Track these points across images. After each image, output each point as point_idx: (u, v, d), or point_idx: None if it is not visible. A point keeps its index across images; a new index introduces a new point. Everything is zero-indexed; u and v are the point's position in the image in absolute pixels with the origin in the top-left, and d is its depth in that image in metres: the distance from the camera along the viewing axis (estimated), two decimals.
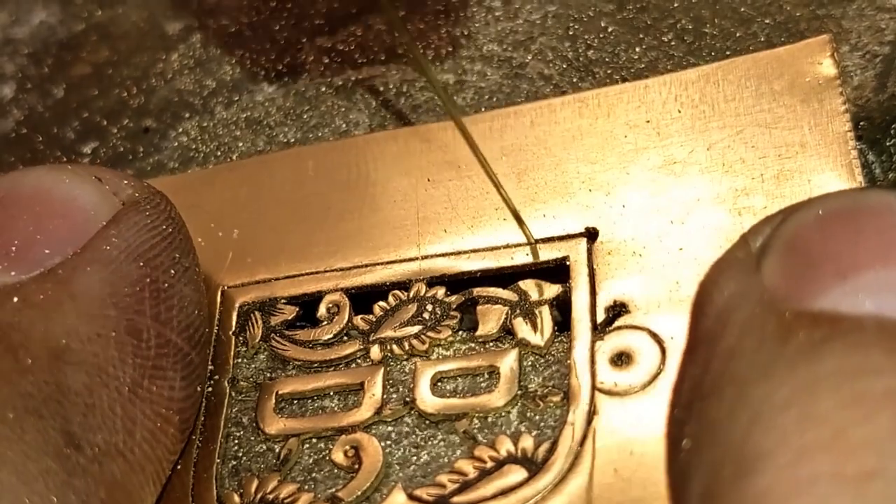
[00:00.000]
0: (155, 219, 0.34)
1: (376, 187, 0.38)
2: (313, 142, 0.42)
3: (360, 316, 0.36)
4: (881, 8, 0.39)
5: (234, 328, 0.37)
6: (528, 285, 0.35)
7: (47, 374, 0.30)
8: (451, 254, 0.36)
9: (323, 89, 0.44)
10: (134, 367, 0.32)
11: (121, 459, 0.31)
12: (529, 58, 0.42)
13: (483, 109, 0.41)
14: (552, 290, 0.35)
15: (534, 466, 0.32)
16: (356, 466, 0.33)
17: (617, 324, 0.33)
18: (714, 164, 0.35)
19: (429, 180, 0.38)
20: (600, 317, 0.34)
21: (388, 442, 0.34)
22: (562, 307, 0.35)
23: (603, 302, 0.34)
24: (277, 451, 0.34)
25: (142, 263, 0.33)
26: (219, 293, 0.38)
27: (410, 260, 0.37)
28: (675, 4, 0.41)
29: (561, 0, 0.43)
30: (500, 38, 0.43)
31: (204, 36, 0.47)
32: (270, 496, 0.33)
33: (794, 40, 0.38)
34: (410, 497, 0.32)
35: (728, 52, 0.39)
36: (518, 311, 0.35)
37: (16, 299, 0.31)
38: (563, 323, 0.34)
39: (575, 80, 0.41)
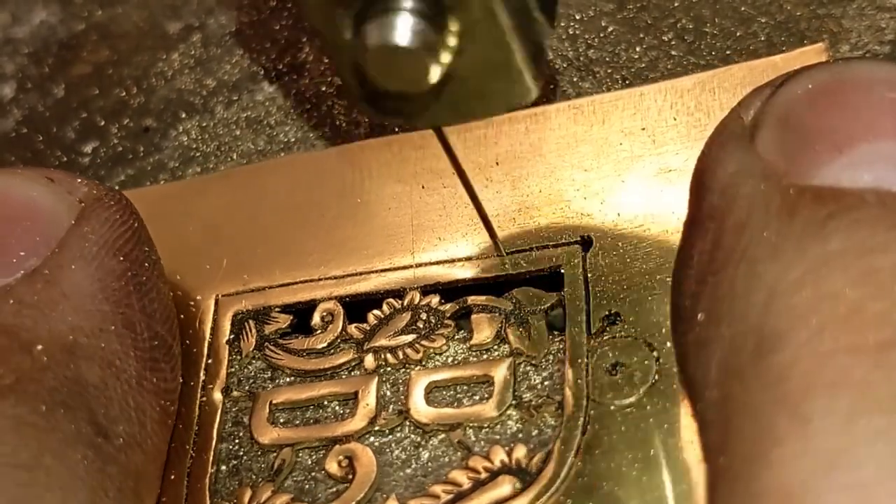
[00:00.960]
0: (121, 214, 0.34)
1: (370, 195, 0.38)
2: (314, 141, 0.42)
3: (354, 324, 0.36)
4: (881, 7, 0.39)
5: (228, 337, 0.37)
6: (522, 293, 0.35)
7: (65, 369, 0.30)
8: (446, 261, 0.36)
9: (323, 89, 0.44)
10: (136, 360, 0.32)
11: (139, 450, 0.32)
12: None
13: None
14: (546, 298, 0.35)
15: (528, 477, 0.32)
16: (350, 476, 0.33)
17: (611, 333, 0.33)
18: None
19: (423, 187, 0.38)
20: (595, 326, 0.33)
21: (382, 452, 0.34)
22: (556, 316, 0.35)
23: (597, 311, 0.34)
24: (271, 460, 0.34)
25: (121, 258, 0.33)
26: (213, 301, 0.37)
27: (405, 268, 0.36)
28: (676, 4, 0.41)
29: (561, 0, 0.43)
30: None
31: (204, 36, 0.47)
32: None
33: (794, 40, 0.38)
34: None
35: (728, 52, 0.39)
36: (512, 319, 0.34)
37: (11, 301, 0.31)
38: (557, 331, 0.34)
39: (575, 79, 0.41)
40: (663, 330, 0.33)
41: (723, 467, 0.27)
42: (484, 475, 0.32)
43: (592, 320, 0.34)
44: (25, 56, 0.50)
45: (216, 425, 0.35)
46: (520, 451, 0.32)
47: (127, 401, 0.31)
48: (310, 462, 0.34)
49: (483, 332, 0.35)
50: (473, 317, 0.35)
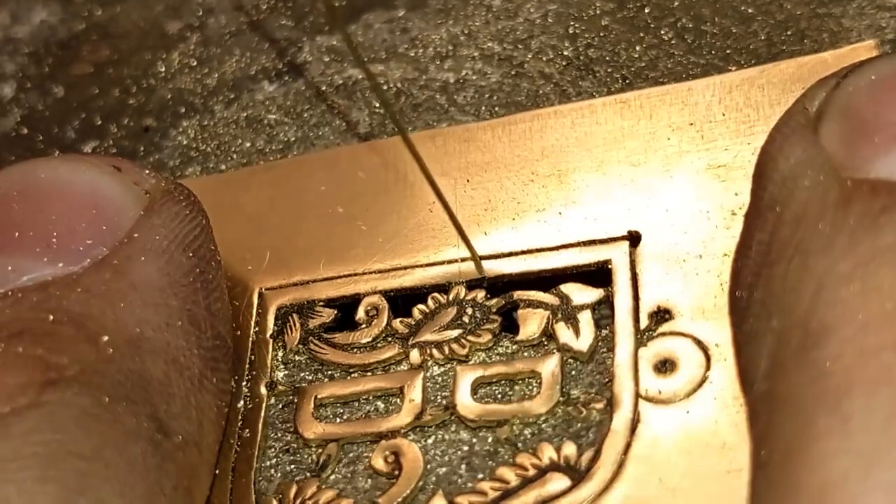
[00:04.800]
0: (191, 209, 0.34)
1: (414, 188, 0.38)
2: (313, 141, 0.42)
3: (398, 319, 0.36)
4: (881, 6, 0.39)
5: (271, 331, 0.37)
6: (569, 289, 0.35)
7: (130, 361, 0.30)
8: (491, 256, 0.36)
9: (323, 89, 0.44)
10: (199, 358, 0.32)
11: (196, 450, 0.31)
12: (530, 56, 0.42)
13: (483, 108, 0.41)
14: (594, 294, 0.34)
15: (577, 475, 0.31)
16: (396, 472, 0.33)
17: (660, 330, 0.33)
18: None
19: (468, 181, 0.37)
20: (643, 322, 0.33)
21: (429, 448, 0.33)
22: (603, 312, 0.34)
23: (646, 307, 0.33)
24: (316, 456, 0.34)
25: (190, 254, 0.33)
26: (256, 295, 0.37)
27: (450, 262, 0.36)
28: (676, 3, 0.41)
29: None
30: (500, 37, 0.43)
31: (204, 35, 0.47)
32: (310, 502, 0.33)
33: (794, 39, 0.38)
34: None
35: (728, 51, 0.39)
36: (559, 315, 0.34)
37: (79, 290, 0.31)
38: (605, 328, 0.34)
39: (575, 78, 0.41)
40: (713, 328, 0.32)
41: (763, 460, 0.27)
42: (532, 472, 0.32)
43: (641, 317, 0.33)
44: (25, 55, 0.50)
45: (261, 420, 0.35)
46: (569, 449, 0.32)
47: (188, 399, 0.31)
48: (355, 457, 0.34)
49: (530, 327, 0.34)
50: (520, 312, 0.35)
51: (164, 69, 0.47)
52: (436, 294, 0.36)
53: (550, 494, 0.31)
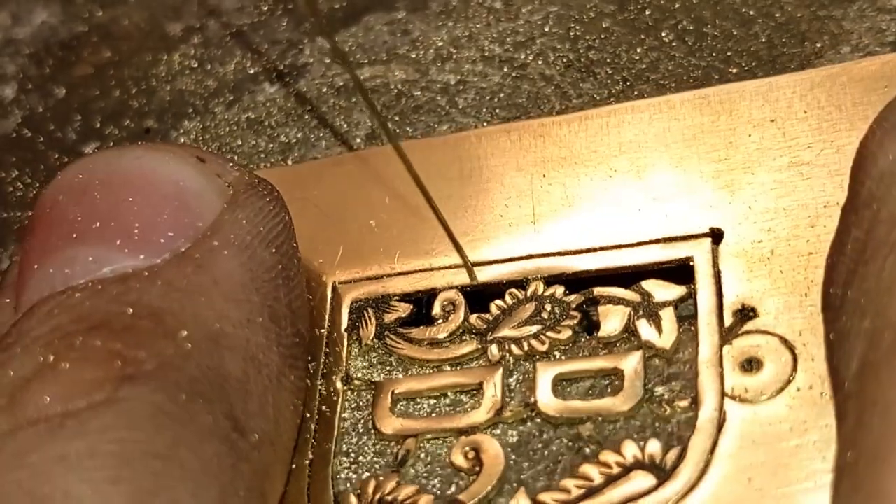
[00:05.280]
0: (274, 205, 0.33)
1: (490, 183, 0.37)
2: (314, 142, 0.42)
3: (476, 315, 0.35)
4: (882, 9, 0.39)
5: (345, 325, 0.36)
6: (650, 286, 0.34)
7: (208, 358, 0.30)
8: (570, 252, 0.36)
9: (324, 90, 0.44)
10: (278, 355, 0.31)
11: (271, 449, 0.31)
12: (531, 58, 0.42)
13: (484, 110, 0.41)
14: (676, 291, 0.34)
15: (662, 473, 0.31)
16: (477, 469, 0.33)
17: (745, 328, 0.33)
18: (844, 167, 0.34)
19: (544, 176, 0.37)
20: (727, 320, 0.33)
21: (509, 444, 0.33)
22: (686, 309, 0.34)
23: (730, 305, 0.33)
24: (394, 451, 0.34)
25: (273, 250, 0.32)
26: (329, 289, 0.37)
27: (527, 258, 0.36)
28: (676, 5, 0.41)
29: (562, 1, 0.43)
30: (501, 39, 0.43)
31: (205, 36, 0.47)
32: (389, 497, 0.33)
33: (794, 41, 0.38)
34: (535, 501, 0.32)
35: (729, 53, 0.39)
36: (641, 311, 0.34)
37: (159, 283, 0.30)
38: (688, 325, 0.34)
39: (576, 80, 0.41)
40: (800, 327, 0.32)
41: (849, 463, 0.27)
42: (616, 470, 0.32)
43: (725, 314, 0.33)
44: (26, 57, 0.50)
45: (337, 415, 0.35)
46: (653, 447, 0.32)
47: (266, 397, 0.31)
48: (435, 453, 0.34)
49: (611, 323, 0.34)
50: (600, 308, 0.34)
51: (165, 70, 0.47)
52: (513, 290, 0.35)
53: (635, 493, 0.31)
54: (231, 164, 0.33)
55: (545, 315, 0.35)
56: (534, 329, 0.35)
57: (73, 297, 0.30)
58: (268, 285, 0.32)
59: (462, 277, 0.36)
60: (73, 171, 0.33)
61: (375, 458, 0.34)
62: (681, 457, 0.31)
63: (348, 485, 0.34)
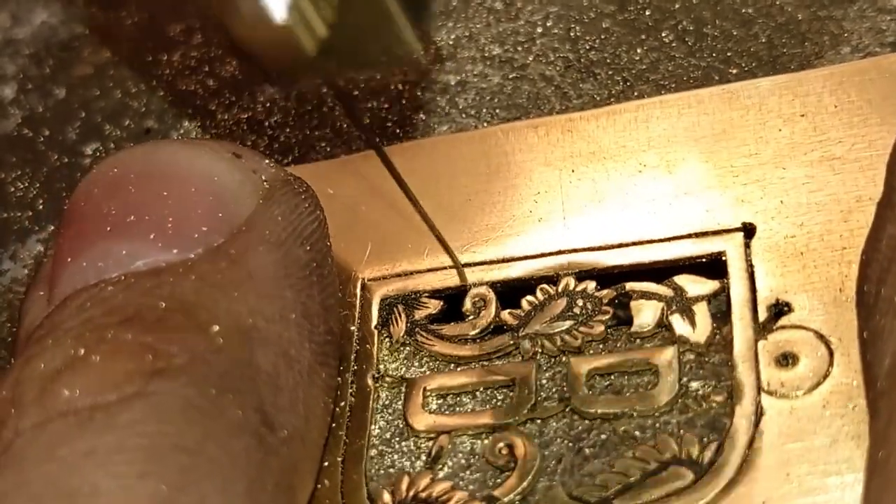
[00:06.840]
0: (309, 202, 0.33)
1: (518, 178, 0.37)
2: (314, 143, 0.42)
3: (507, 311, 0.35)
4: (882, 9, 0.39)
5: (375, 322, 0.36)
6: (682, 280, 0.34)
7: (240, 352, 0.30)
8: (600, 247, 0.35)
9: (324, 90, 0.43)
10: (310, 352, 0.31)
11: (301, 445, 0.31)
12: (531, 59, 0.42)
13: (484, 111, 0.41)
14: (709, 285, 0.34)
15: (700, 469, 0.31)
16: (511, 465, 0.33)
17: (780, 323, 0.33)
18: (875, 161, 0.34)
19: (573, 171, 0.37)
20: (762, 315, 0.33)
21: (544, 440, 0.33)
22: (719, 304, 0.34)
23: (764, 300, 0.33)
24: (427, 447, 0.34)
25: (308, 247, 0.32)
26: (358, 286, 0.37)
27: (557, 253, 0.36)
28: (677, 6, 0.41)
29: (562, 1, 0.43)
30: (501, 40, 0.43)
31: (205, 37, 0.47)
32: (423, 494, 0.33)
33: (795, 42, 0.38)
34: (571, 497, 0.32)
35: (729, 54, 0.39)
36: (674, 306, 0.34)
37: (193, 277, 0.30)
38: (722, 320, 0.33)
39: (576, 81, 0.41)
40: (835, 322, 0.32)
41: (881, 460, 0.26)
42: (654, 465, 0.32)
43: (759, 309, 0.33)
44: (26, 57, 0.49)
45: (369, 411, 0.35)
46: (690, 442, 0.32)
47: (296, 393, 0.31)
48: (469, 449, 0.34)
49: (644, 318, 0.34)
50: (633, 303, 0.34)
51: (165, 71, 0.47)
52: (544, 285, 0.35)
53: (674, 489, 0.31)
54: (267, 161, 0.33)
55: (577, 310, 0.35)
56: (566, 324, 0.34)
57: (106, 291, 0.30)
58: (301, 282, 0.32)
59: (492, 274, 0.36)
60: (108, 165, 0.33)
61: (408, 455, 0.34)
62: (718, 452, 0.31)
63: (381, 482, 0.33)
